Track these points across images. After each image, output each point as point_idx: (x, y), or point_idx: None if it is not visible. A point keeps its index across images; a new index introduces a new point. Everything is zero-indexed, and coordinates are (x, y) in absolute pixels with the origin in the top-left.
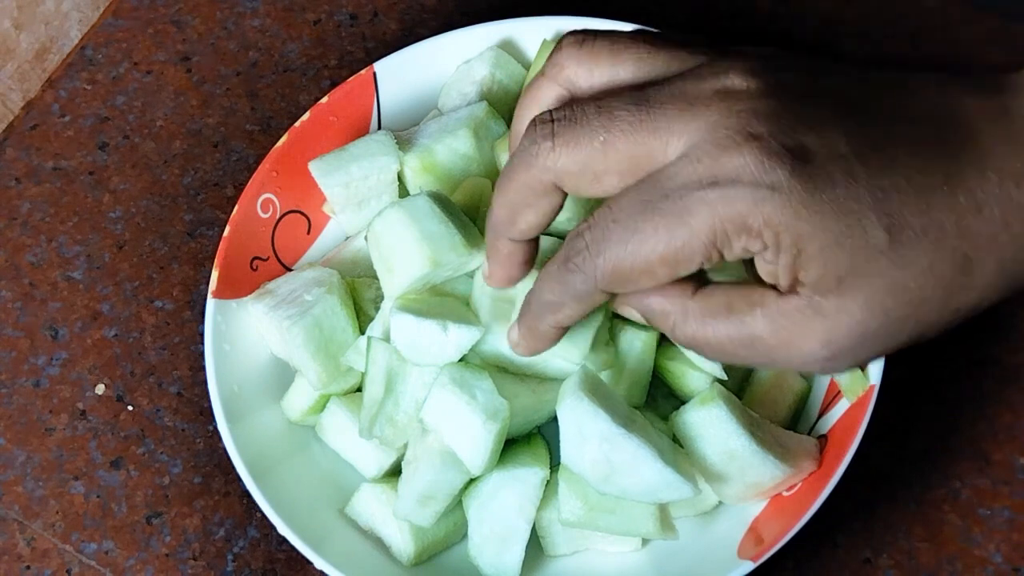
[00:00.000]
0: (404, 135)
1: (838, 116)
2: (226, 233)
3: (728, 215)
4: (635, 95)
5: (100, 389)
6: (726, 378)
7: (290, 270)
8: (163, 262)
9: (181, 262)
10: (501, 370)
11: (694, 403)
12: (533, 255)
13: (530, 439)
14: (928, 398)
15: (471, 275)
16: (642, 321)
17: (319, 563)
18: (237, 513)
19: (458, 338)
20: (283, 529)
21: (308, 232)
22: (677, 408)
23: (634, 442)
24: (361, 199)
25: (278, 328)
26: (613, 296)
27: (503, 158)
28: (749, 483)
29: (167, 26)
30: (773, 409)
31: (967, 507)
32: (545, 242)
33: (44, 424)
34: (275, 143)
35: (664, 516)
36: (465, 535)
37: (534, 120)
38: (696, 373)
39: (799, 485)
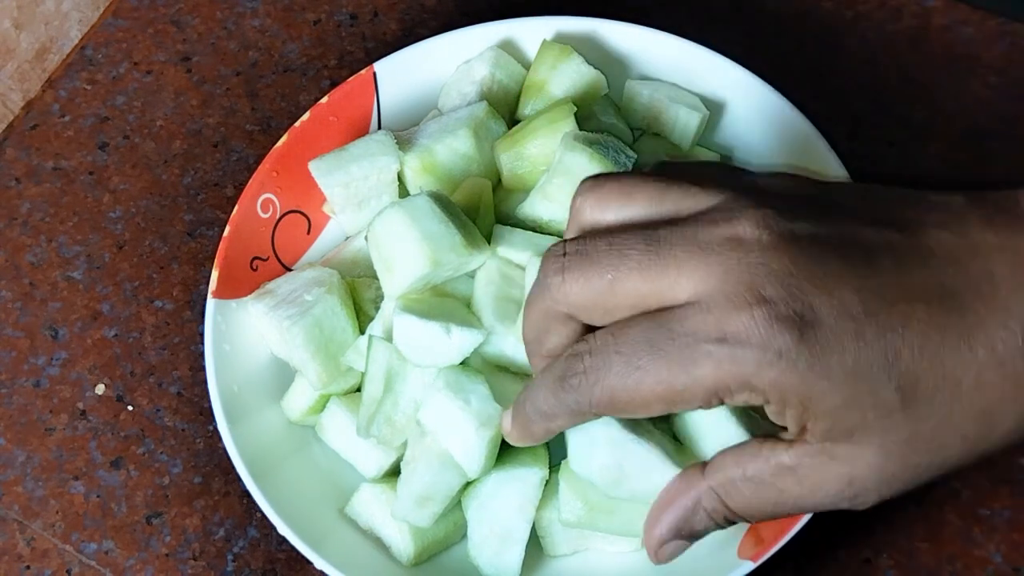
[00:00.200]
0: (404, 135)
1: (851, 270)
2: (226, 233)
3: (733, 373)
4: (646, 234)
5: (100, 389)
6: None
7: (290, 270)
8: (163, 262)
9: (181, 262)
10: (502, 370)
11: None
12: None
13: None
14: None
15: (471, 275)
16: None
17: (319, 563)
18: (237, 513)
19: (460, 341)
20: (283, 529)
21: (308, 232)
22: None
23: (644, 447)
24: (361, 199)
25: (278, 328)
26: None
27: (503, 158)
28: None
29: (167, 26)
30: None
31: (967, 507)
32: (549, 241)
33: (44, 424)
34: (275, 143)
35: None
36: (465, 535)
37: (549, 250)
38: None
39: None
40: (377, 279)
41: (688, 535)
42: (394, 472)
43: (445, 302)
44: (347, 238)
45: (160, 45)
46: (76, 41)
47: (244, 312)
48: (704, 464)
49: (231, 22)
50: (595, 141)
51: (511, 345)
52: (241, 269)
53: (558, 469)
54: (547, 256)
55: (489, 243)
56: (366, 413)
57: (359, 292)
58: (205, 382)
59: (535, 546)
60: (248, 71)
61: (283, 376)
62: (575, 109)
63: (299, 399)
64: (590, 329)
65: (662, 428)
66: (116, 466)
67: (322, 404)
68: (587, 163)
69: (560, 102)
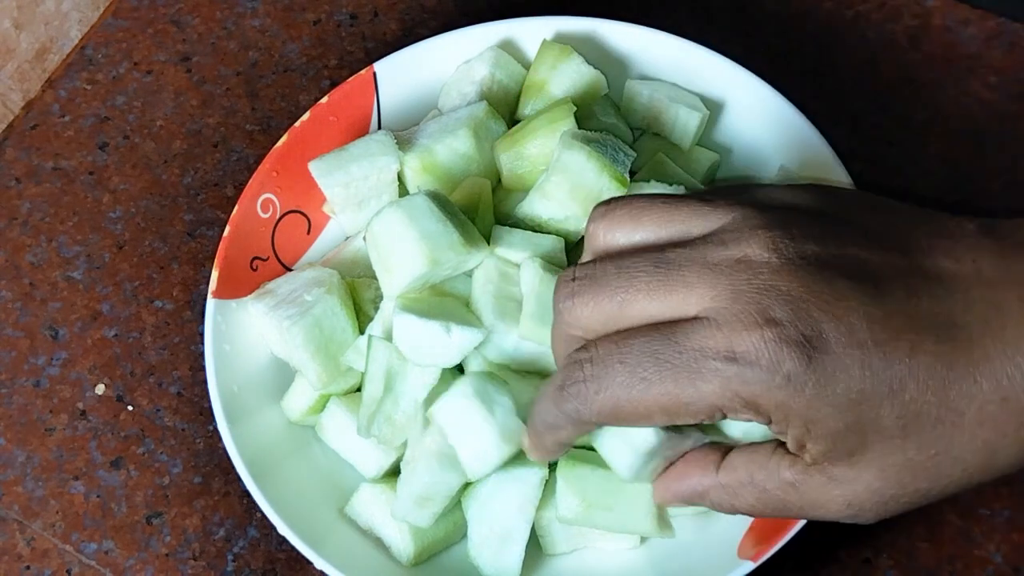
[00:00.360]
0: (404, 135)
1: (860, 295)
2: (226, 233)
3: (740, 392)
4: (655, 256)
5: (100, 389)
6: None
7: (290, 270)
8: (163, 262)
9: (181, 262)
10: (503, 368)
11: None
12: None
13: None
14: None
15: (470, 274)
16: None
17: (319, 563)
18: (237, 513)
19: (460, 340)
20: (283, 529)
21: (308, 232)
22: None
23: (687, 441)
24: (361, 199)
25: (278, 328)
26: None
27: (503, 158)
28: None
29: (167, 26)
30: None
31: (967, 507)
32: (547, 241)
33: (44, 424)
34: (275, 143)
35: (661, 514)
36: (465, 535)
37: (561, 277)
38: None
39: None
40: (377, 279)
41: (693, 502)
42: (394, 472)
43: (444, 301)
44: (347, 238)
45: (160, 45)
46: (76, 41)
47: (244, 312)
48: (722, 450)
49: (231, 22)
50: (593, 139)
51: (511, 343)
52: (241, 269)
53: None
54: (559, 282)
55: (488, 243)
56: (366, 413)
57: (359, 292)
58: (205, 382)
59: (534, 545)
60: (248, 71)
61: (283, 376)
62: (575, 109)
63: (299, 399)
64: None
65: None
66: (116, 466)
67: (322, 404)
68: (585, 161)
69: (560, 102)
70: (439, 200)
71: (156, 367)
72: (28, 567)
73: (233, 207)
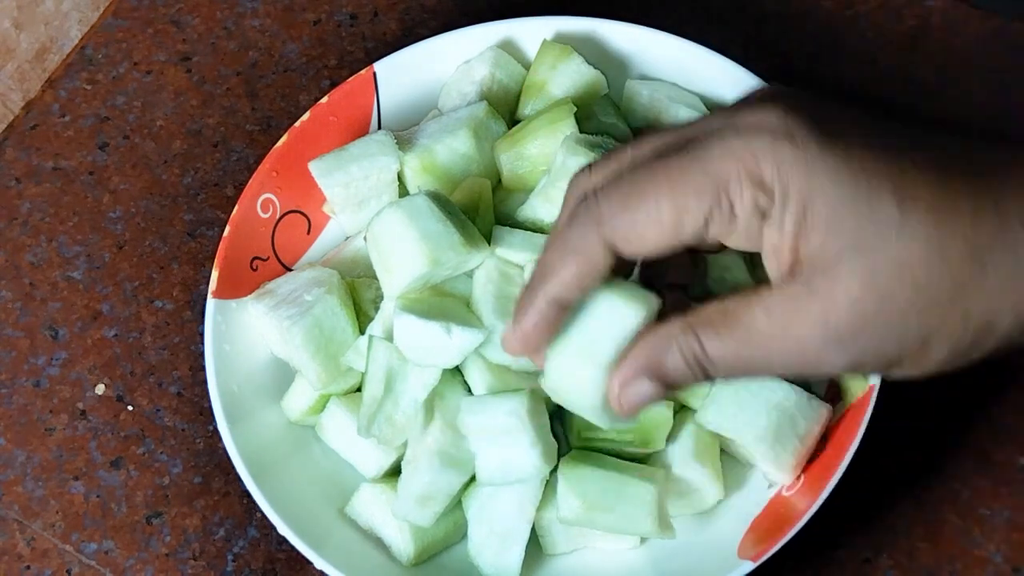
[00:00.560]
0: (404, 135)
1: (866, 131)
2: (226, 233)
3: (743, 157)
4: (662, 131)
5: (100, 389)
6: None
7: (290, 270)
8: (163, 262)
9: (181, 262)
10: (503, 369)
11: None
12: (558, 326)
13: None
14: (928, 398)
15: (470, 275)
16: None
17: (319, 563)
18: (237, 513)
19: (461, 340)
20: (283, 529)
21: (308, 232)
22: None
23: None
24: (361, 199)
25: (278, 328)
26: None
27: (503, 158)
28: (801, 434)
29: (167, 26)
30: None
31: (967, 507)
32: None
33: (44, 424)
34: (275, 143)
35: (662, 515)
36: (465, 535)
37: (572, 179)
38: None
39: (799, 485)
40: (377, 279)
41: (657, 375)
42: (394, 472)
43: (445, 302)
44: (347, 238)
45: (160, 45)
46: (76, 41)
47: (244, 312)
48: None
49: (231, 22)
50: (596, 144)
51: None
52: (241, 269)
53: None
54: (571, 182)
55: (489, 243)
56: (366, 413)
57: (359, 292)
58: (205, 382)
59: (534, 545)
60: (248, 71)
61: (283, 376)
62: (575, 109)
63: (299, 399)
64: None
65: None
66: (116, 466)
67: (322, 404)
68: None
69: (560, 102)
70: (439, 200)
71: (156, 367)
72: (28, 567)
73: (233, 207)
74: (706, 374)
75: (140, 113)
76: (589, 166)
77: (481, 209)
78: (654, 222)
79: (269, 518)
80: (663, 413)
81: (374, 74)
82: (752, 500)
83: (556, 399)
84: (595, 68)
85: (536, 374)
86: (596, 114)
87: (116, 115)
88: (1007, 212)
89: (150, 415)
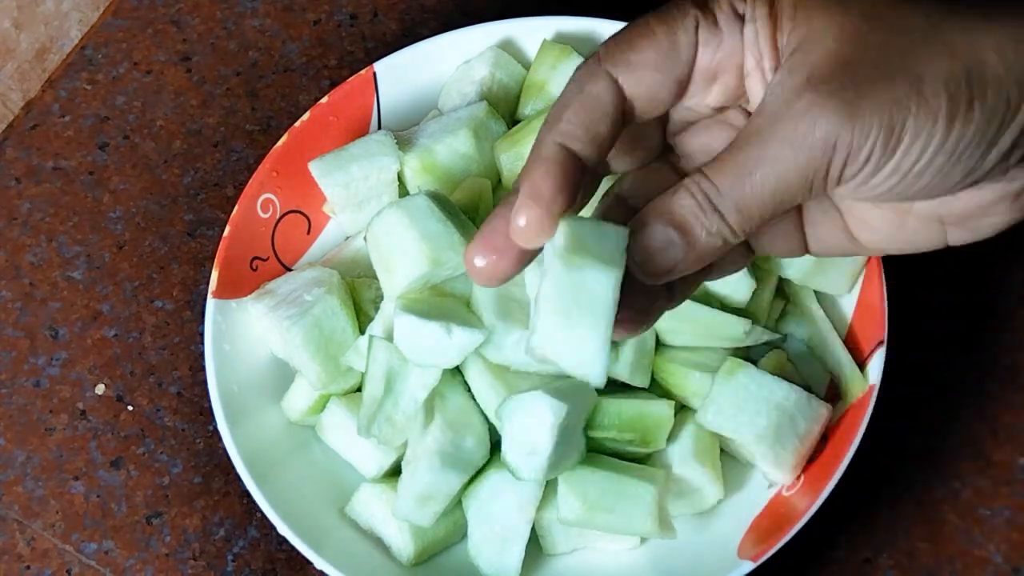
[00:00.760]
0: (404, 135)
1: None
2: (226, 233)
3: None
4: None
5: (100, 389)
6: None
7: (290, 270)
8: (163, 262)
9: (181, 262)
10: (503, 369)
11: (722, 379)
12: (572, 186)
13: None
14: (928, 398)
15: None
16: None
17: (319, 563)
18: (237, 513)
19: (461, 340)
20: (283, 529)
21: (308, 232)
22: None
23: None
24: (361, 199)
25: (278, 328)
26: None
27: (503, 158)
28: (801, 434)
29: (167, 26)
30: None
31: (967, 507)
32: None
33: (44, 424)
34: (275, 143)
35: (662, 515)
36: (465, 535)
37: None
38: (697, 373)
39: (799, 485)
40: (377, 279)
41: (669, 220)
42: (394, 472)
43: (445, 302)
44: (347, 238)
45: (160, 45)
46: (76, 41)
47: (244, 312)
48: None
49: (231, 22)
50: None
51: (511, 343)
52: (241, 269)
53: None
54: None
55: None
56: (366, 413)
57: (359, 292)
58: (205, 382)
59: (534, 545)
60: (248, 71)
61: (283, 376)
62: None
63: (299, 399)
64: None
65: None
66: (116, 466)
67: (322, 404)
68: None
69: None
70: (440, 200)
71: (156, 367)
72: (28, 567)
73: (233, 207)
74: (716, 210)
75: (140, 113)
76: None
77: (481, 209)
78: (649, 40)
79: (269, 518)
80: (663, 413)
81: (374, 74)
82: (752, 500)
83: (546, 357)
84: None
85: (537, 374)
86: None
87: (116, 115)
88: None
89: (150, 415)
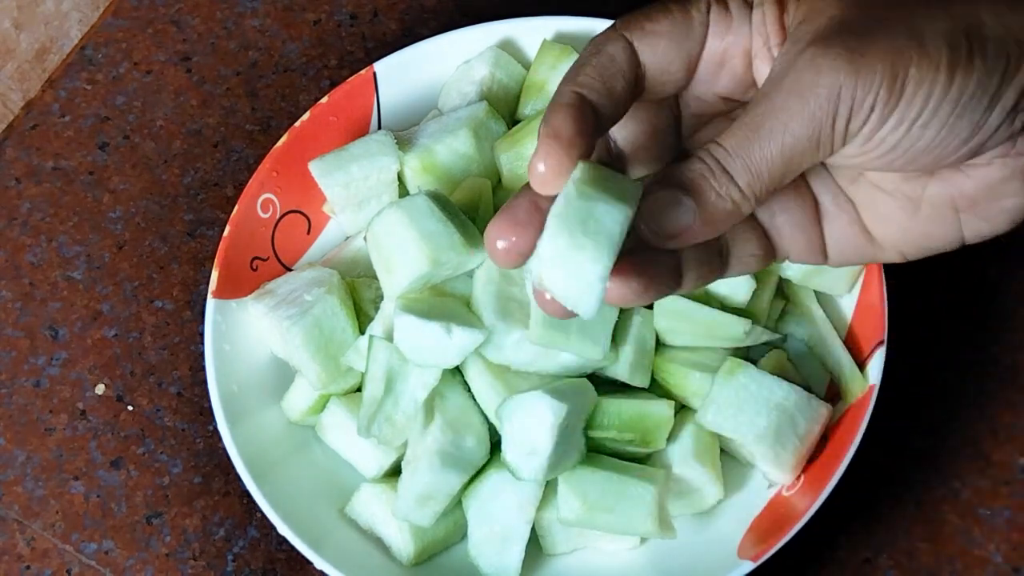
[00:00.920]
0: (404, 135)
1: None
2: (226, 233)
3: None
4: None
5: (100, 389)
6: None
7: (290, 270)
8: (163, 262)
9: (181, 262)
10: (503, 369)
11: (722, 379)
12: (590, 132)
13: None
14: (928, 398)
15: (470, 275)
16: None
17: (319, 563)
18: (237, 513)
19: (461, 340)
20: (283, 529)
21: (308, 232)
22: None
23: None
24: (361, 199)
25: (278, 328)
26: None
27: (503, 158)
28: (801, 434)
29: (167, 26)
30: None
31: (967, 507)
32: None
33: (44, 424)
34: (275, 143)
35: (663, 515)
36: (465, 535)
37: None
38: (697, 373)
39: (799, 485)
40: (377, 279)
41: (678, 183)
42: (394, 472)
43: (445, 302)
44: (347, 238)
45: (160, 45)
46: (76, 41)
47: (244, 312)
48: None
49: (231, 22)
50: None
51: (511, 343)
52: (241, 269)
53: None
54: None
55: None
56: (367, 413)
57: (359, 292)
58: (205, 382)
59: (534, 544)
60: (248, 71)
61: (283, 376)
62: None
63: (299, 399)
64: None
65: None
66: (116, 466)
67: (322, 404)
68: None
69: None
70: (440, 200)
71: (156, 367)
72: (28, 567)
73: (233, 207)
74: (725, 171)
75: (140, 113)
76: None
77: (481, 209)
78: (664, 14)
79: (269, 518)
80: (663, 413)
81: (374, 74)
82: (752, 500)
83: (542, 282)
84: None
85: (537, 374)
86: None
87: (116, 115)
88: None
89: (150, 415)
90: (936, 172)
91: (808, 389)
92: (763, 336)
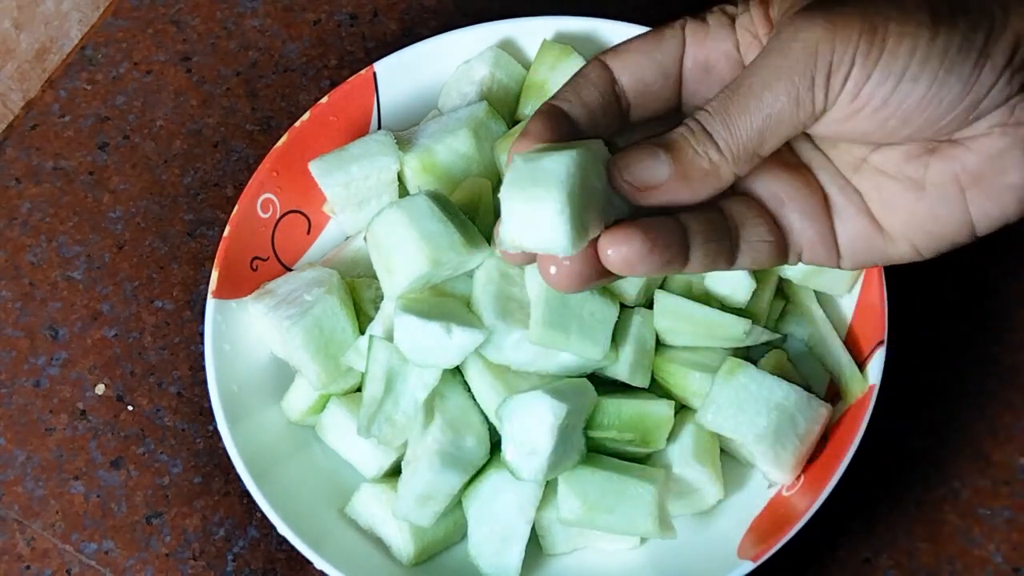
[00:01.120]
0: (404, 135)
1: None
2: (226, 233)
3: None
4: None
5: (100, 389)
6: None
7: (290, 270)
8: (163, 262)
9: (181, 262)
10: (503, 369)
11: (722, 379)
12: (560, 131)
13: None
14: (928, 398)
15: (470, 275)
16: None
17: (319, 563)
18: (237, 513)
19: (461, 340)
20: (283, 529)
21: (308, 232)
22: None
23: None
24: (361, 199)
25: (278, 328)
26: None
27: (503, 158)
28: (801, 434)
29: (167, 26)
30: None
31: (967, 507)
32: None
33: (44, 424)
34: (275, 143)
35: (663, 515)
36: (465, 535)
37: None
38: (697, 373)
39: (799, 485)
40: (377, 279)
41: (660, 144)
42: (394, 472)
43: (445, 302)
44: (347, 238)
45: (160, 45)
46: (76, 41)
47: (244, 312)
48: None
49: (231, 22)
50: None
51: (511, 343)
52: (241, 269)
53: None
54: None
55: (489, 243)
56: (367, 413)
57: (359, 292)
58: (205, 382)
59: (533, 544)
60: (248, 71)
61: (283, 376)
62: None
63: (299, 399)
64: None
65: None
66: (116, 466)
67: (322, 404)
68: None
69: None
70: (440, 200)
71: (156, 367)
72: (28, 567)
73: (233, 207)
74: (704, 130)
75: (140, 113)
76: None
77: (481, 209)
78: (638, 38)
79: (269, 518)
80: (663, 413)
81: (374, 74)
82: (752, 500)
83: (515, 243)
84: None
85: (537, 374)
86: None
87: (116, 115)
88: None
89: (150, 415)
90: (937, 149)
91: (808, 389)
92: (763, 336)
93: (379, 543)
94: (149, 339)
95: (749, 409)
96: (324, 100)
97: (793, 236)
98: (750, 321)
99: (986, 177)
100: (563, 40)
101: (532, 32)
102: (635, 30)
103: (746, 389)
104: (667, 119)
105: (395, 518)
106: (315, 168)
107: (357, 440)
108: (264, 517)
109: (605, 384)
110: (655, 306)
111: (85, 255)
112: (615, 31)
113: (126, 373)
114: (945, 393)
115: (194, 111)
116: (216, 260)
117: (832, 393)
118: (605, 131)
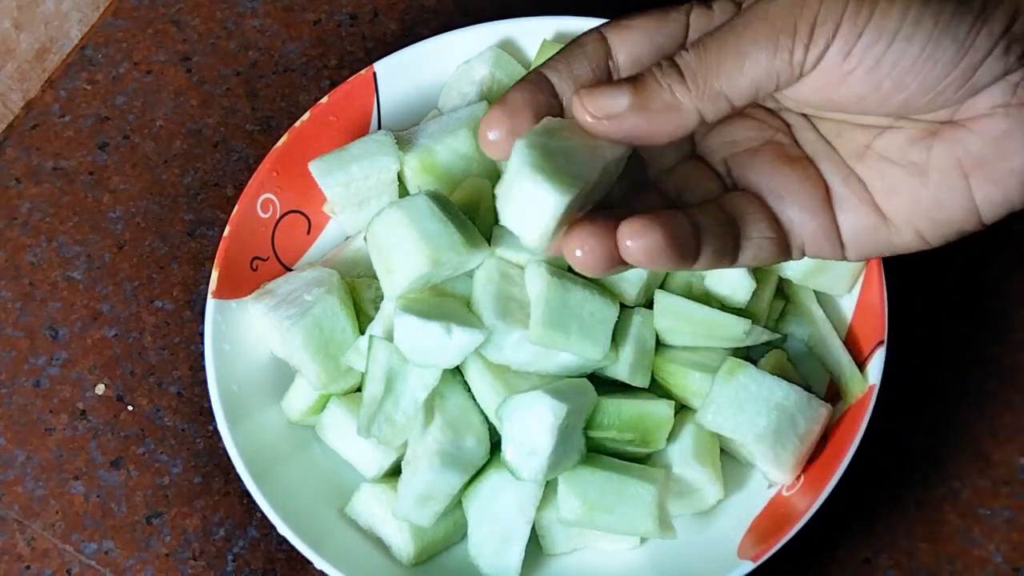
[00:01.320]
0: (404, 135)
1: None
2: (226, 233)
3: None
4: None
5: (100, 389)
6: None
7: (290, 270)
8: (163, 262)
9: (181, 262)
10: (503, 369)
11: (722, 379)
12: (539, 103)
13: None
14: (928, 398)
15: (470, 275)
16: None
17: (319, 563)
18: (237, 513)
19: (461, 340)
20: (283, 529)
21: (308, 232)
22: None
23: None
24: (361, 199)
25: (278, 328)
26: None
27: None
28: (801, 434)
29: (167, 26)
30: None
31: (967, 507)
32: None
33: (44, 424)
34: (275, 143)
35: (663, 515)
36: (465, 535)
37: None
38: (697, 373)
39: (799, 485)
40: (377, 279)
41: (630, 84)
42: (394, 472)
43: (445, 302)
44: (347, 238)
45: (160, 45)
46: (76, 41)
47: (244, 312)
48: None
49: (231, 22)
50: None
51: (511, 343)
52: (241, 269)
53: None
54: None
55: (489, 243)
56: (367, 413)
57: (359, 292)
58: (205, 382)
59: (533, 544)
60: (248, 71)
61: (283, 376)
62: None
63: (299, 399)
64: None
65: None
66: (116, 466)
67: (322, 404)
68: None
69: None
70: (440, 200)
71: (156, 367)
72: (28, 567)
73: (233, 207)
74: (673, 64)
75: (140, 113)
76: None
77: (481, 209)
78: (642, 14)
79: (269, 518)
80: (663, 413)
81: (374, 74)
82: (752, 500)
83: (503, 211)
84: None
85: (537, 374)
86: None
87: (116, 115)
88: None
89: (150, 415)
90: (940, 132)
91: (808, 389)
92: (763, 336)
93: (379, 543)
94: (149, 339)
95: (749, 409)
96: (324, 100)
97: (794, 231)
98: (750, 321)
99: (989, 161)
100: (563, 40)
101: (532, 32)
102: None
103: (746, 389)
104: None
105: (395, 518)
106: (315, 168)
107: (357, 440)
108: (264, 517)
109: (605, 384)
110: (655, 306)
111: (85, 255)
112: None
113: (126, 373)
114: (945, 393)
115: (194, 111)
116: (216, 260)
117: (832, 393)
118: None
